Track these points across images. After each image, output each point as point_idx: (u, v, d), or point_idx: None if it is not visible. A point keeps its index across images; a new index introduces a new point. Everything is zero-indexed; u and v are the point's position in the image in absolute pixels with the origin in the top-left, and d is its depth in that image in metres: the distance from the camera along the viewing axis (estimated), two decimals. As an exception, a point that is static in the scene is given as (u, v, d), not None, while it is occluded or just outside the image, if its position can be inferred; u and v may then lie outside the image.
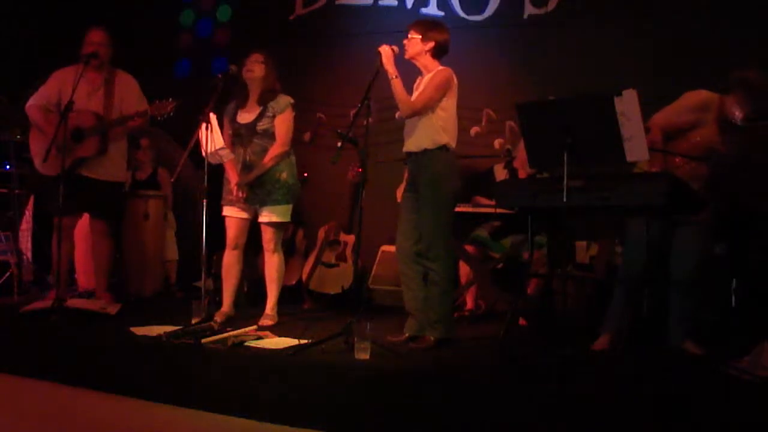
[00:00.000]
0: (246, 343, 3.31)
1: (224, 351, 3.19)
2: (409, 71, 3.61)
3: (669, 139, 3.41)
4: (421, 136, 3.50)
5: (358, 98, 3.42)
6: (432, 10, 5.35)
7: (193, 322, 3.67)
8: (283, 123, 3.91)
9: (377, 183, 4.70)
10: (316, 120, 5.64)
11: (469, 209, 4.28)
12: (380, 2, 5.56)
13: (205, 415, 2.95)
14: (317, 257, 4.99)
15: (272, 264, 4.01)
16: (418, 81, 3.63)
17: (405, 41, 3.56)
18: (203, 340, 3.26)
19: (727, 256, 3.86)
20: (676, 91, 3.48)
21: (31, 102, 4.26)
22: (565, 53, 4.84)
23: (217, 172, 4.01)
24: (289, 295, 4.71)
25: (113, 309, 3.97)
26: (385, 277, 4.92)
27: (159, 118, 4.16)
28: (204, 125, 3.72)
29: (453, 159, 3.54)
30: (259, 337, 3.45)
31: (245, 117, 3.94)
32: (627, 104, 2.87)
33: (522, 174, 4.46)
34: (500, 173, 4.68)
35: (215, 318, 3.82)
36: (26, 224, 5.35)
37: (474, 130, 5.12)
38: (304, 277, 4.96)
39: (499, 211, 3.98)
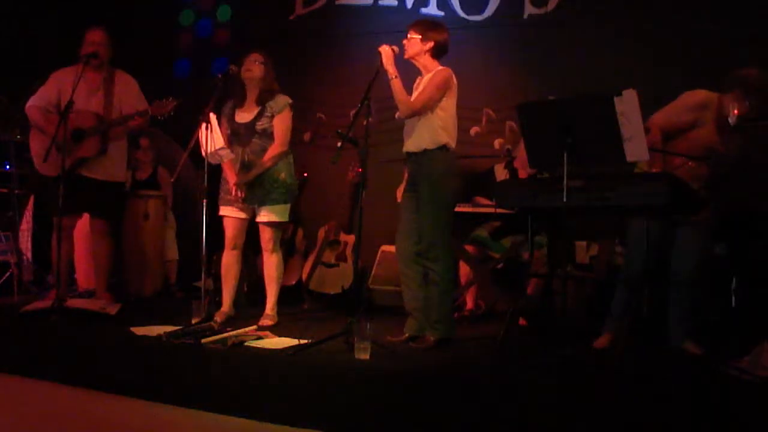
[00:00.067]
0: (246, 343, 3.31)
1: (224, 351, 3.19)
2: (409, 71, 3.61)
3: (668, 139, 3.41)
4: (420, 136, 3.50)
5: (358, 98, 3.42)
6: (432, 10, 5.35)
7: (193, 322, 3.68)
8: (281, 123, 3.91)
9: (377, 183, 4.70)
10: (316, 120, 5.63)
11: (469, 209, 4.28)
12: (380, 2, 5.56)
13: (205, 415, 2.95)
14: (317, 257, 4.99)
15: (271, 264, 4.01)
16: (417, 81, 3.63)
17: (404, 41, 3.56)
18: (203, 340, 3.26)
19: (727, 256, 3.86)
20: (676, 91, 3.48)
21: (31, 103, 4.26)
22: (564, 53, 4.84)
23: (217, 172, 4.01)
24: (289, 295, 4.71)
25: (113, 309, 3.97)
26: (385, 277, 4.91)
27: (159, 118, 4.16)
28: (204, 125, 3.73)
29: (453, 159, 3.54)
30: (259, 337, 3.45)
31: (244, 116, 3.94)
32: (627, 104, 2.87)
33: (522, 174, 4.45)
34: (501, 173, 4.68)
35: (215, 318, 3.82)
36: (26, 224, 5.35)
37: (474, 130, 5.12)
38: (304, 277, 4.96)
39: (499, 211, 3.98)
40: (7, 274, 4.86)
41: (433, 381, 2.83)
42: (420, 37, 3.53)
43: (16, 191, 5.19)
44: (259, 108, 3.92)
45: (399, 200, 3.87)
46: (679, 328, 3.44)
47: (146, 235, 4.95)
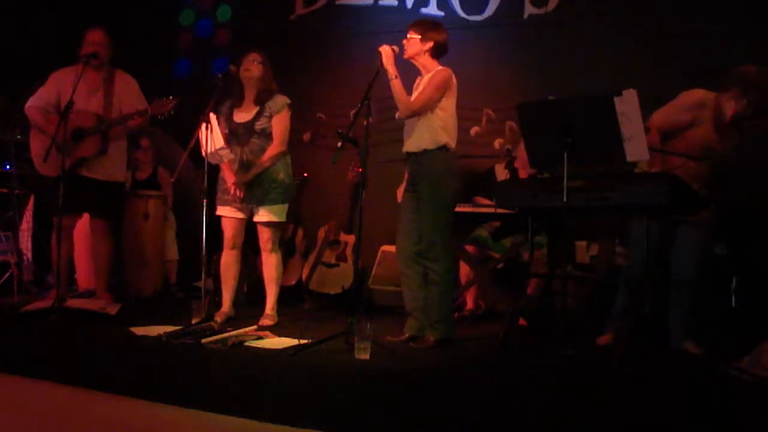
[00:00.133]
0: (246, 343, 3.31)
1: (224, 351, 3.19)
2: (409, 71, 3.61)
3: (666, 139, 3.42)
4: (420, 137, 3.50)
5: (358, 98, 3.42)
6: (432, 10, 5.35)
7: (193, 322, 3.68)
8: (280, 123, 3.92)
9: (377, 183, 4.70)
10: (316, 120, 5.63)
11: (469, 209, 4.29)
12: (380, 2, 5.56)
13: (205, 415, 2.95)
14: (317, 257, 4.99)
15: (270, 264, 4.01)
16: (417, 81, 3.63)
17: (404, 41, 3.57)
18: (203, 340, 3.26)
19: (727, 256, 3.86)
20: (676, 91, 3.49)
21: (30, 103, 4.26)
22: (564, 53, 4.84)
23: (217, 172, 4.01)
24: (289, 295, 4.71)
25: (113, 309, 3.97)
26: (385, 277, 4.92)
27: (159, 117, 4.16)
28: (204, 125, 3.73)
29: (453, 159, 3.54)
30: (259, 337, 3.45)
31: (242, 116, 3.94)
32: (627, 104, 2.87)
33: (523, 174, 4.46)
34: (501, 173, 4.68)
35: (215, 318, 3.83)
36: (26, 224, 5.35)
37: (474, 130, 5.12)
38: (304, 277, 4.96)
39: (499, 211, 3.98)
40: (7, 274, 4.86)
41: (433, 381, 2.83)
42: (419, 37, 3.53)
43: (16, 191, 5.19)
44: (258, 108, 3.92)
45: (399, 200, 3.87)
46: (679, 328, 3.45)
47: (146, 235, 4.95)
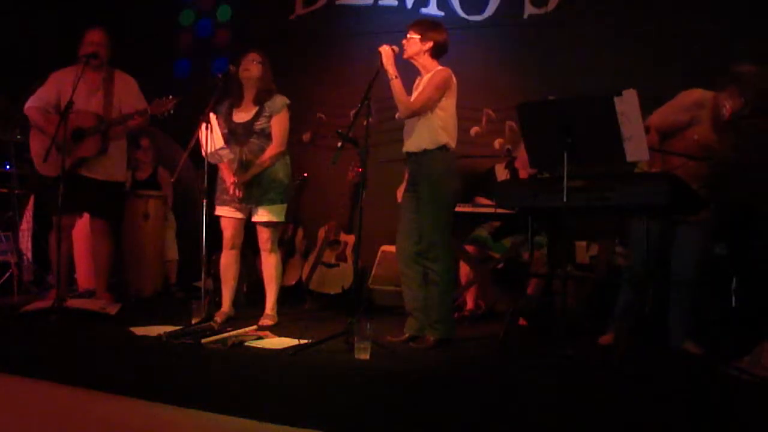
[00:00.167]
0: (246, 343, 3.31)
1: (224, 351, 3.19)
2: (409, 71, 3.61)
3: (665, 139, 3.42)
4: (420, 137, 3.50)
5: (358, 98, 3.42)
6: (432, 10, 5.35)
7: (193, 322, 3.68)
8: (279, 123, 3.92)
9: (377, 183, 4.70)
10: (316, 120, 5.63)
11: (469, 209, 4.28)
12: (380, 2, 5.56)
13: (205, 415, 2.95)
14: (317, 257, 4.99)
15: (269, 264, 4.02)
16: (417, 81, 3.63)
17: (404, 41, 3.56)
18: (203, 340, 3.26)
19: (727, 256, 3.86)
20: (675, 91, 3.49)
21: (30, 104, 4.26)
22: (564, 53, 4.84)
23: (217, 172, 4.01)
24: (289, 295, 4.71)
25: (113, 309, 3.97)
26: (385, 277, 4.92)
27: (159, 116, 4.16)
28: (204, 125, 3.73)
29: (453, 159, 3.54)
30: (259, 337, 3.45)
31: (241, 116, 3.94)
32: (627, 104, 2.87)
33: (523, 174, 4.46)
34: (501, 173, 4.68)
35: (215, 318, 3.83)
36: (26, 224, 5.35)
37: (474, 130, 5.12)
38: (304, 277, 4.96)
39: (499, 211, 3.98)
40: (7, 274, 4.86)
41: (433, 381, 2.83)
42: (419, 37, 3.53)
43: (16, 191, 5.19)
44: (257, 108, 3.92)
45: (399, 200, 3.87)
46: (679, 328, 3.45)
47: (146, 235, 4.95)
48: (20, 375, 3.40)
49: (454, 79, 3.51)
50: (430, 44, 3.53)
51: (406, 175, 3.73)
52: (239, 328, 3.56)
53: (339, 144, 3.40)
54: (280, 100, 3.94)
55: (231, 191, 3.87)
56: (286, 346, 3.28)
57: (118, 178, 4.42)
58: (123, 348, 3.35)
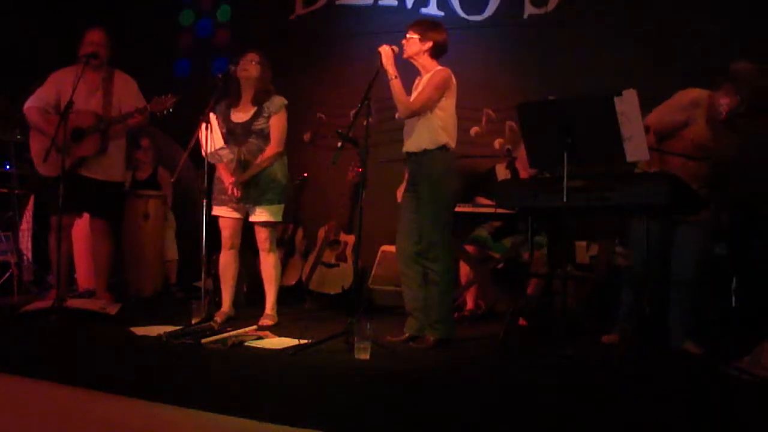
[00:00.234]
0: (246, 343, 3.31)
1: (224, 351, 3.19)
2: (409, 71, 3.61)
3: (663, 139, 3.41)
4: (420, 137, 3.50)
5: (358, 98, 3.42)
6: (432, 10, 5.35)
7: (193, 322, 3.68)
8: (278, 124, 3.92)
9: (377, 183, 4.70)
10: (316, 120, 5.63)
11: (469, 209, 4.28)
12: (380, 2, 5.56)
13: (205, 415, 2.95)
14: (317, 257, 4.99)
15: (269, 263, 4.02)
16: (417, 81, 3.63)
17: (403, 41, 3.56)
18: (203, 340, 3.26)
19: (727, 256, 3.86)
20: (675, 91, 3.49)
21: (29, 104, 4.26)
22: (564, 53, 4.84)
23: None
24: (289, 295, 4.70)
25: (113, 309, 3.97)
26: (385, 277, 4.92)
27: (159, 115, 4.15)
28: (204, 125, 3.73)
29: (453, 159, 3.54)
30: (259, 337, 3.45)
31: (240, 116, 3.94)
32: (627, 104, 2.87)
33: (524, 174, 4.46)
34: (502, 173, 4.68)
35: (215, 318, 3.83)
36: (26, 224, 5.35)
37: (474, 130, 5.12)
38: (304, 277, 4.96)
39: (499, 211, 3.98)
40: (7, 274, 4.86)
41: (433, 381, 2.83)
42: (419, 36, 3.53)
43: (16, 191, 5.19)
44: (256, 108, 3.92)
45: (399, 200, 3.87)
46: (679, 328, 3.45)
47: (146, 235, 4.95)
48: (20, 375, 3.40)
49: (453, 79, 3.51)
50: (429, 44, 3.53)
51: (406, 175, 3.73)
52: (239, 328, 3.56)
53: (339, 144, 3.40)
54: (278, 101, 3.94)
55: (229, 191, 3.87)
56: (286, 346, 3.28)
57: (117, 178, 4.43)
58: (123, 348, 3.35)
